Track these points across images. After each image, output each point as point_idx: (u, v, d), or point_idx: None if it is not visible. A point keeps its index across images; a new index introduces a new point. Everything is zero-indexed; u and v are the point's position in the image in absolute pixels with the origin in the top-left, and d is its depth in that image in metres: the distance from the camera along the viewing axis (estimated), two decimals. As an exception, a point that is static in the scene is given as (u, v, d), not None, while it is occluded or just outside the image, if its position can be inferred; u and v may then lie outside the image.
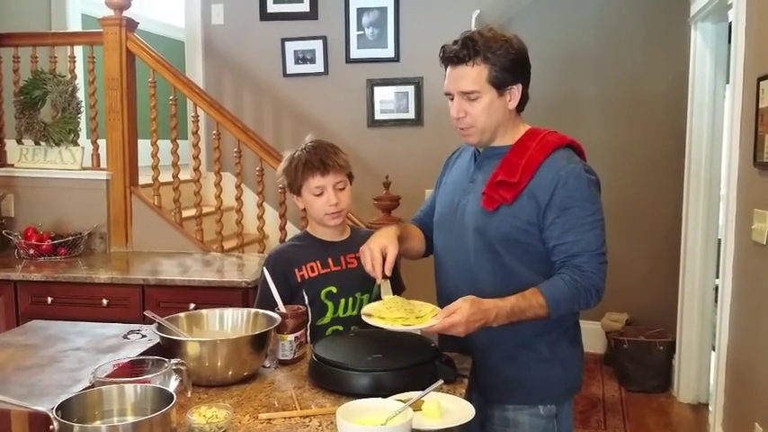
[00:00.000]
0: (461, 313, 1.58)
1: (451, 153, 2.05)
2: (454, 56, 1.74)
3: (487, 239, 1.77)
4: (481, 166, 1.85)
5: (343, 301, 2.01)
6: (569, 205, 1.70)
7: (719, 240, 3.48)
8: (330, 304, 2.00)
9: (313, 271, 2.02)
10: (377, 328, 1.63)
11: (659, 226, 4.58)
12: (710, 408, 3.54)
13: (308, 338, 1.93)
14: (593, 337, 4.69)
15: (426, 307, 1.69)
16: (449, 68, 1.78)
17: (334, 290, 2.00)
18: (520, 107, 1.82)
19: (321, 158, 1.99)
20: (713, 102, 3.85)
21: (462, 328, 1.59)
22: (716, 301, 3.47)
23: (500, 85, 1.74)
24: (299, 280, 2.01)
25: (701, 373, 3.99)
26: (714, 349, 3.51)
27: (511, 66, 1.74)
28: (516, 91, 1.77)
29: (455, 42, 1.76)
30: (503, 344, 1.80)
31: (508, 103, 1.77)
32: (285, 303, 1.87)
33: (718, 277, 3.43)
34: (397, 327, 1.62)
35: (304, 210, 2.14)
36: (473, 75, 1.73)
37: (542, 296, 1.66)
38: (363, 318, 1.67)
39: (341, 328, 2.00)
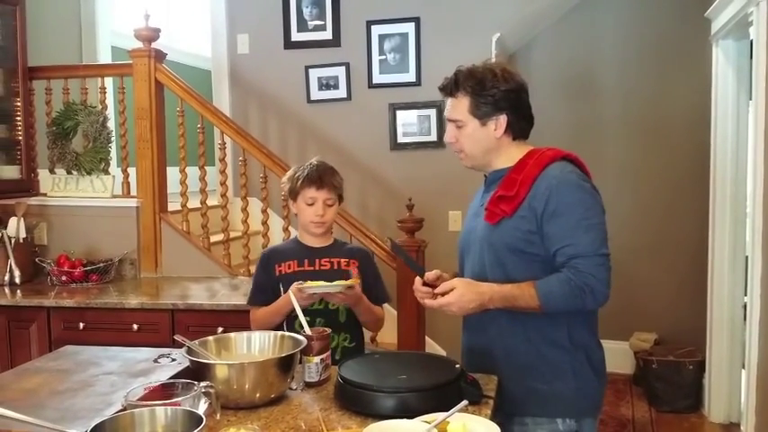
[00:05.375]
0: (454, 294, 1.76)
1: None
2: (443, 89, 1.91)
3: (496, 253, 1.85)
4: (489, 189, 1.95)
5: None
6: (563, 211, 1.77)
7: (747, 258, 3.44)
8: None
9: (290, 268, 2.34)
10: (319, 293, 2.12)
11: (686, 244, 4.55)
12: (742, 427, 3.49)
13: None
14: (621, 357, 4.65)
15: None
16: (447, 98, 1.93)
17: None
18: (517, 135, 1.90)
19: (320, 175, 2.32)
20: (737, 119, 3.84)
21: (455, 307, 1.77)
22: (745, 318, 3.43)
23: (481, 116, 1.85)
24: (277, 274, 2.33)
25: (731, 392, 3.92)
26: (744, 367, 3.47)
27: (492, 100, 1.84)
28: (502, 121, 1.85)
29: None
30: (521, 355, 1.85)
31: (493, 132, 1.86)
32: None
33: (746, 295, 3.39)
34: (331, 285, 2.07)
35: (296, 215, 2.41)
36: (457, 105, 1.88)
37: (534, 288, 1.75)
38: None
39: (308, 318, 2.14)
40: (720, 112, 3.89)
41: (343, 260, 2.36)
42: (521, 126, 1.89)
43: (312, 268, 2.32)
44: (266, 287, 2.33)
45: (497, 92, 1.83)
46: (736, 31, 3.65)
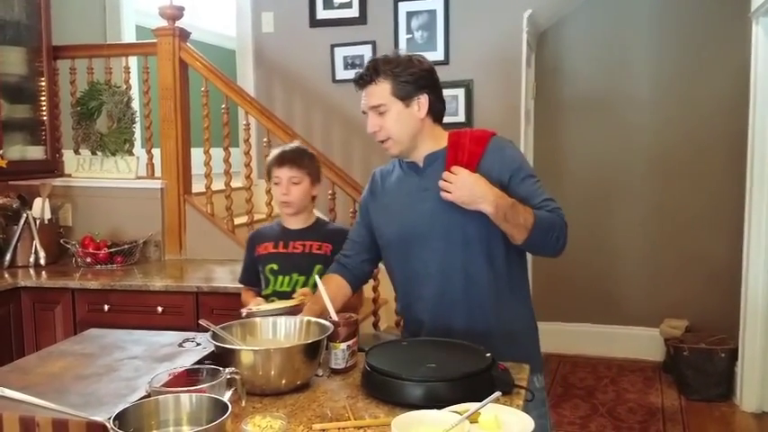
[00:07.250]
0: (465, 174, 1.80)
1: (370, 180, 2.14)
2: (360, 79, 1.93)
3: (468, 228, 1.88)
4: (425, 174, 1.96)
5: (281, 277, 2.36)
6: (524, 175, 1.90)
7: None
8: (272, 278, 2.37)
9: (266, 249, 2.41)
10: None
11: (719, 229, 4.45)
12: (777, 418, 3.41)
13: None
14: (651, 344, 4.58)
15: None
16: (362, 91, 1.94)
17: (275, 267, 2.36)
18: (436, 117, 1.96)
19: (284, 154, 2.35)
20: (776, 100, 3.71)
21: (468, 183, 1.79)
22: (782, 306, 3.34)
23: (404, 97, 1.90)
24: (256, 255, 2.42)
25: (764, 381, 3.84)
26: (781, 357, 3.38)
27: (412, 79, 1.89)
28: (423, 100, 1.91)
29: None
30: (490, 329, 1.91)
31: (417, 113, 1.91)
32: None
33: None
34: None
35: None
36: (378, 90, 1.90)
37: (530, 208, 1.84)
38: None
39: (276, 299, 2.26)
40: (760, 92, 3.76)
41: (315, 243, 2.37)
42: (439, 108, 1.95)
43: (285, 251, 2.38)
44: (250, 267, 2.46)
45: (416, 71, 1.89)
46: (778, 7, 3.52)
